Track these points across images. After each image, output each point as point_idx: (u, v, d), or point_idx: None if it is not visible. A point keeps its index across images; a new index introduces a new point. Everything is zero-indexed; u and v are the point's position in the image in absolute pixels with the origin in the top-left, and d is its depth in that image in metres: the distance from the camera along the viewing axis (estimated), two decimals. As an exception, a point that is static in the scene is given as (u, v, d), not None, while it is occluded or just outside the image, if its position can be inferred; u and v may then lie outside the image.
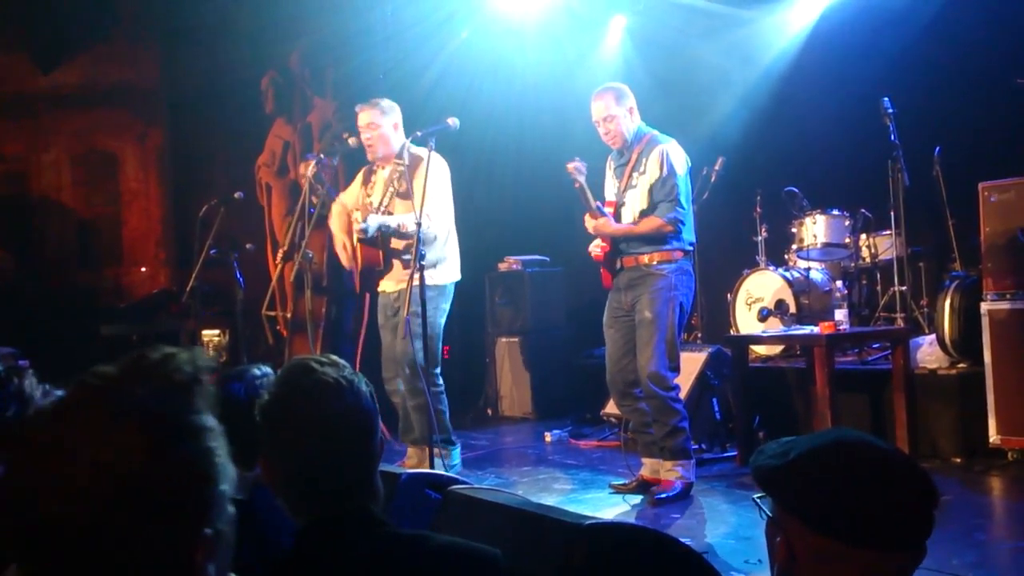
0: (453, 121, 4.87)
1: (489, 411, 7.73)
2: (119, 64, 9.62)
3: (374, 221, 5.08)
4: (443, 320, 5.26)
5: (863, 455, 1.40)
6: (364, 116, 5.24)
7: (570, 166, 4.66)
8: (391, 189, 5.22)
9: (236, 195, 6.88)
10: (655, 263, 4.69)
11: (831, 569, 1.37)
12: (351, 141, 5.46)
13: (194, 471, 1.02)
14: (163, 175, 9.78)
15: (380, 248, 5.19)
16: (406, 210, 5.01)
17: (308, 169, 5.54)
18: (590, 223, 4.76)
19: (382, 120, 5.21)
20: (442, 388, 5.18)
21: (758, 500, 1.48)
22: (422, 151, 4.98)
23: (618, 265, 4.81)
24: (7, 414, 2.18)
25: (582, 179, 4.66)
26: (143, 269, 9.69)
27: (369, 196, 5.34)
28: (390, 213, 5.15)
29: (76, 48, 9.56)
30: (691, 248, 4.81)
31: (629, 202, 4.78)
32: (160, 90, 9.73)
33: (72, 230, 9.88)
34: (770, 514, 1.47)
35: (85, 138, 9.82)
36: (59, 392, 2.74)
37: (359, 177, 5.50)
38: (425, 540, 1.62)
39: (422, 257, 4.71)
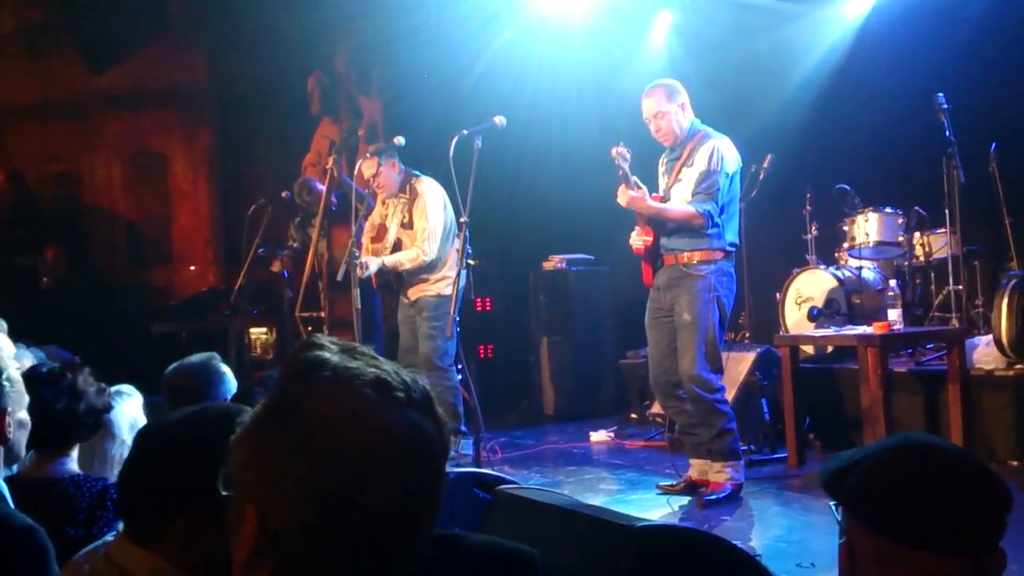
0: (500, 119, 4.87)
1: (533, 410, 7.70)
2: (168, 66, 9.76)
3: (373, 264, 5.61)
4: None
5: (924, 456, 1.37)
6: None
7: (614, 151, 4.55)
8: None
9: (283, 194, 6.96)
10: (695, 263, 4.60)
11: (891, 572, 1.33)
12: (397, 141, 5.62)
13: (422, 436, 1.05)
14: (211, 175, 9.90)
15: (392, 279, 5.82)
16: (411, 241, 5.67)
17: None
18: (623, 196, 4.59)
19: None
20: (455, 384, 5.59)
21: (834, 508, 1.45)
22: (416, 180, 5.68)
23: (660, 263, 4.74)
24: (58, 406, 2.33)
25: (626, 165, 4.53)
26: (192, 268, 9.81)
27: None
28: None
29: (126, 51, 9.71)
30: (732, 249, 4.69)
31: (674, 196, 4.69)
32: (208, 91, 9.86)
33: (122, 229, 10.04)
34: (839, 519, 1.44)
35: (135, 139, 9.98)
36: (115, 390, 2.78)
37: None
38: (458, 540, 1.59)
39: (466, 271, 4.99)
